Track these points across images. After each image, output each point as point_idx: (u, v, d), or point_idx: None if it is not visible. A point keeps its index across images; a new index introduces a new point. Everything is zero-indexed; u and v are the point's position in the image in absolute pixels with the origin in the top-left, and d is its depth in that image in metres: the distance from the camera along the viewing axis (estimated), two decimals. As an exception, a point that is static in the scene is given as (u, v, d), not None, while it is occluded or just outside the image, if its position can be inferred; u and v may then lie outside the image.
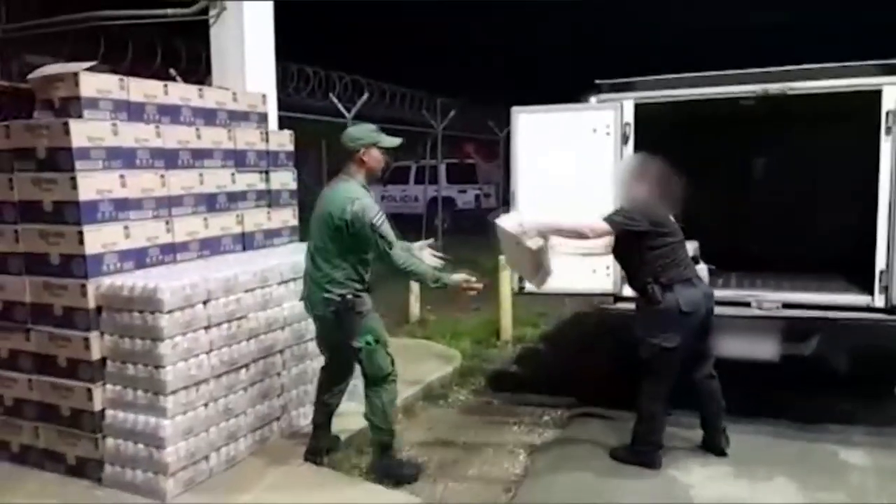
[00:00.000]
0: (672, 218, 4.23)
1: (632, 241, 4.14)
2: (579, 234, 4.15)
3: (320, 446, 4.20)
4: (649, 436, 4.23)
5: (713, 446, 4.38)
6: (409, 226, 12.43)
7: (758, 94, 4.66)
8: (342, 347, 3.97)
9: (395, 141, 4.04)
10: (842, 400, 5.09)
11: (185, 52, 7.61)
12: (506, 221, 4.13)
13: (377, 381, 3.96)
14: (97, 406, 3.83)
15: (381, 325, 4.05)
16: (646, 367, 4.16)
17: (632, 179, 4.25)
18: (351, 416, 4.53)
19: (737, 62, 4.81)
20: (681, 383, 4.25)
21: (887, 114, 4.35)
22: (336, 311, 3.82)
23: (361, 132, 3.92)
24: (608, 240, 4.23)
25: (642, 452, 4.24)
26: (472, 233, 15.05)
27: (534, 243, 4.02)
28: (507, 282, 6.87)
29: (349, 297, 3.82)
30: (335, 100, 9.24)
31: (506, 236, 4.14)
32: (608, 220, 4.11)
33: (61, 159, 3.72)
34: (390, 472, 4.04)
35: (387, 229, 3.75)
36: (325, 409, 4.20)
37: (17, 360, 4.03)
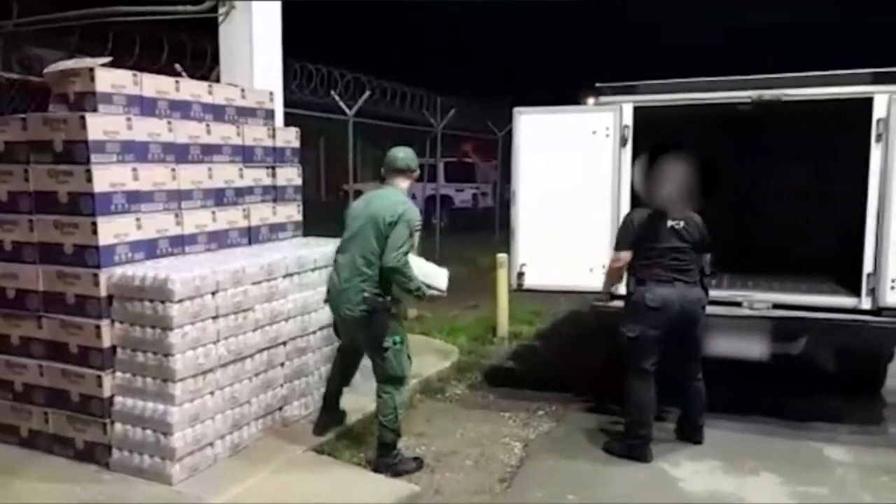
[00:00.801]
0: (675, 220, 4.38)
1: None
2: (614, 273, 4.65)
3: (330, 420, 4.51)
4: (638, 429, 4.38)
5: (688, 438, 4.60)
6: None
7: (753, 100, 4.79)
8: (365, 345, 4.17)
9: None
10: (828, 399, 5.24)
11: (189, 47, 7.68)
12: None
13: (395, 381, 4.12)
14: (106, 392, 3.93)
15: (404, 328, 4.26)
16: (623, 357, 4.40)
17: (643, 180, 4.48)
18: (351, 408, 4.67)
19: (737, 60, 4.93)
20: (668, 384, 4.42)
21: (878, 121, 4.48)
22: (371, 310, 4.01)
23: (414, 156, 4.37)
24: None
25: (632, 446, 4.39)
26: (468, 231, 15.23)
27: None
28: (503, 280, 7.00)
29: (383, 296, 4.03)
30: (337, 97, 9.31)
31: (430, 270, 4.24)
32: (616, 248, 4.56)
33: (77, 152, 3.83)
34: (392, 468, 4.16)
35: (416, 238, 4.11)
36: (337, 386, 4.50)
37: (28, 346, 4.13)
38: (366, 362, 4.35)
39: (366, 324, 4.06)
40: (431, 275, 4.20)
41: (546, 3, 13.69)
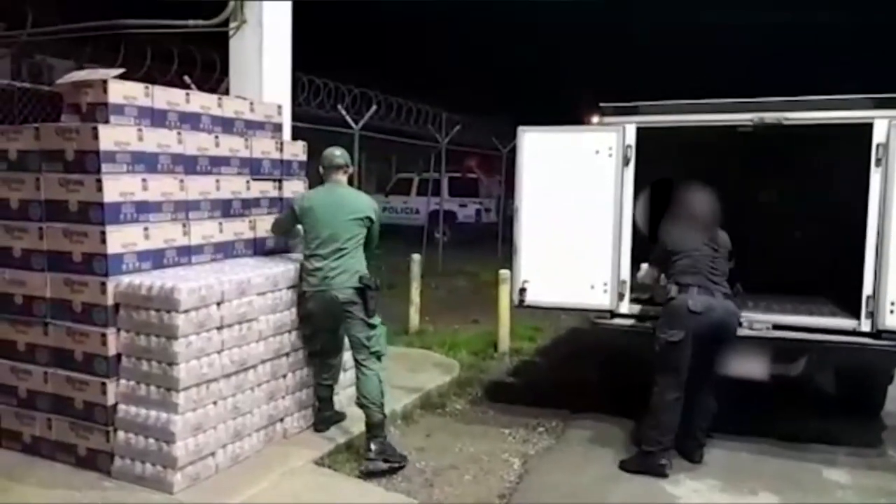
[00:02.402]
0: (699, 238, 4.54)
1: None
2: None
3: (328, 418, 4.77)
4: (657, 434, 4.38)
5: (686, 454, 4.60)
6: (409, 237, 12.56)
7: (755, 123, 4.86)
8: (355, 325, 4.39)
9: None
10: (827, 420, 5.24)
11: (199, 59, 7.78)
12: None
13: (379, 357, 4.42)
14: (110, 400, 3.96)
15: None
16: (656, 361, 4.43)
17: (646, 211, 4.64)
18: (353, 420, 4.69)
19: (745, 62, 5.01)
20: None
21: (877, 146, 4.53)
22: (364, 288, 4.38)
23: (347, 154, 4.77)
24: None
25: (649, 454, 4.39)
26: (471, 246, 15.28)
27: None
28: (505, 295, 7.03)
29: (373, 277, 4.47)
30: (343, 112, 9.40)
31: None
32: (649, 263, 4.81)
33: (88, 162, 3.89)
34: (383, 451, 4.30)
35: None
36: (326, 385, 4.75)
37: (33, 353, 4.16)
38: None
39: (356, 304, 4.37)
40: None
41: (554, 21, 13.78)
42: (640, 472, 4.39)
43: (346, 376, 4.92)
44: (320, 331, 4.65)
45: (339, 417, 4.81)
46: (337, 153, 4.69)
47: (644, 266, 4.91)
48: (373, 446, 4.29)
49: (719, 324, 4.38)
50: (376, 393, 4.33)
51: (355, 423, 4.69)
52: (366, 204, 4.60)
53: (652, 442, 4.39)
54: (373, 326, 4.41)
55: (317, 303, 4.49)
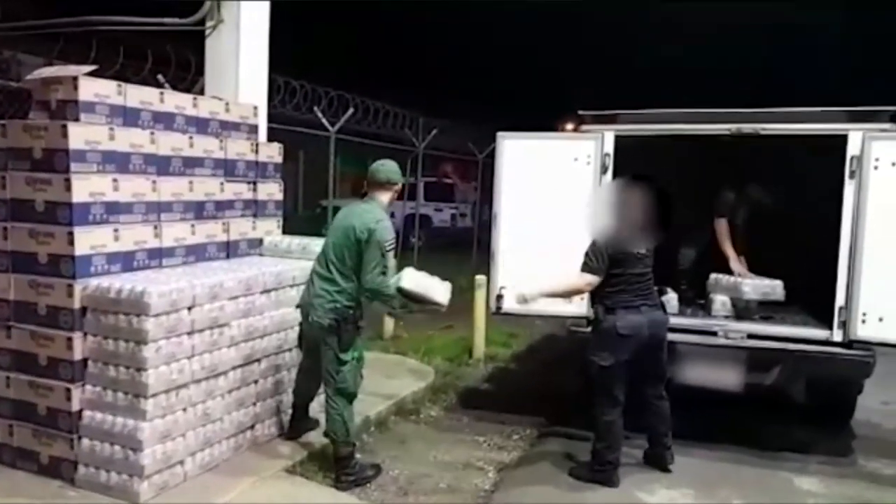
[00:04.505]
0: (639, 247, 4.40)
1: None
2: (574, 293, 4.63)
3: (300, 426, 4.67)
4: (606, 454, 4.39)
5: (657, 462, 4.59)
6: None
7: (732, 133, 4.90)
8: (326, 355, 4.16)
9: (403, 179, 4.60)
10: (799, 429, 5.30)
11: (173, 58, 7.64)
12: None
13: (346, 396, 4.19)
14: (75, 406, 3.84)
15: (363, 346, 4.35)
16: (592, 384, 4.42)
17: (600, 210, 4.48)
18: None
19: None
20: (633, 404, 4.44)
21: (851, 158, 4.60)
22: (339, 320, 4.08)
23: (398, 171, 4.38)
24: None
25: (600, 471, 4.39)
26: (446, 251, 15.24)
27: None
28: (481, 301, 7.01)
29: (355, 310, 4.12)
30: (320, 114, 9.31)
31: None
32: (586, 271, 4.37)
33: (57, 160, 3.78)
34: (356, 479, 4.20)
35: (390, 257, 4.13)
36: (303, 395, 4.62)
37: (-5, 356, 4.03)
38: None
39: (331, 334, 4.11)
40: (430, 287, 4.28)
41: (532, 27, 13.84)
42: (590, 481, 4.40)
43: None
44: (306, 341, 4.41)
45: (312, 425, 4.72)
46: (381, 168, 4.28)
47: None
48: (344, 478, 4.17)
49: (649, 338, 4.34)
50: (342, 431, 4.16)
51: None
52: (360, 223, 4.06)
53: (602, 462, 4.40)
54: (342, 363, 4.12)
55: (304, 319, 4.31)
